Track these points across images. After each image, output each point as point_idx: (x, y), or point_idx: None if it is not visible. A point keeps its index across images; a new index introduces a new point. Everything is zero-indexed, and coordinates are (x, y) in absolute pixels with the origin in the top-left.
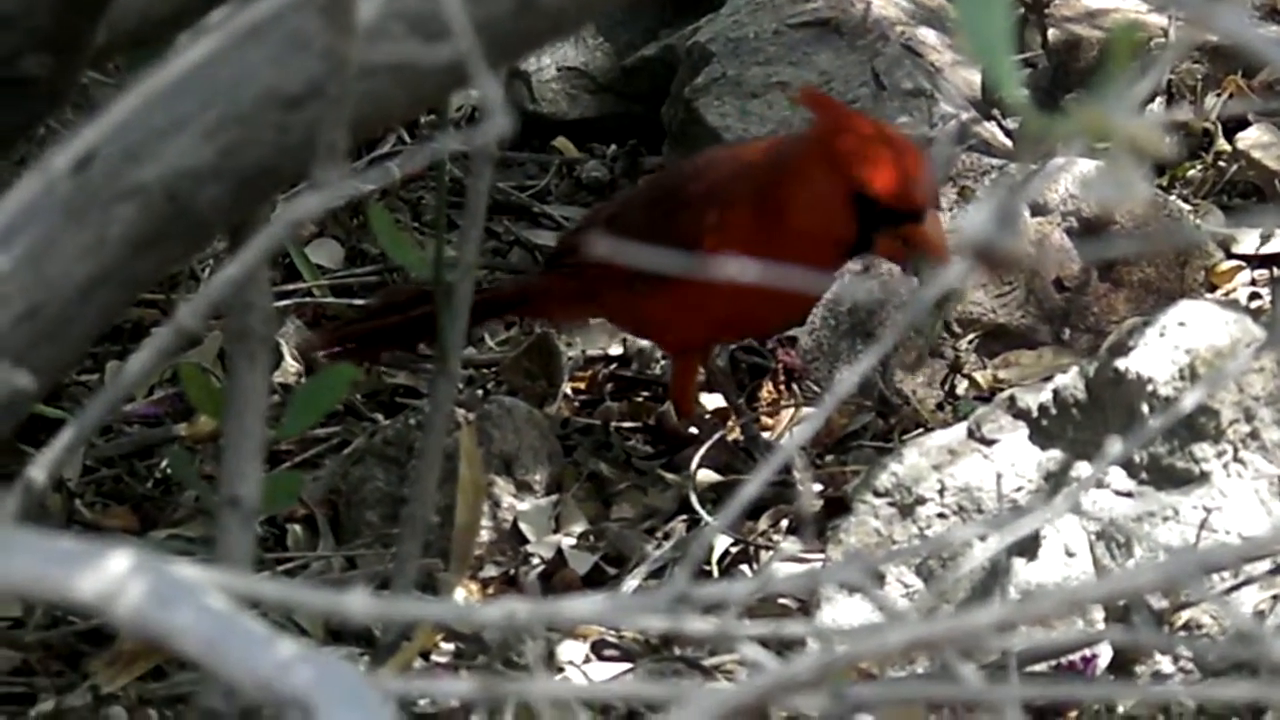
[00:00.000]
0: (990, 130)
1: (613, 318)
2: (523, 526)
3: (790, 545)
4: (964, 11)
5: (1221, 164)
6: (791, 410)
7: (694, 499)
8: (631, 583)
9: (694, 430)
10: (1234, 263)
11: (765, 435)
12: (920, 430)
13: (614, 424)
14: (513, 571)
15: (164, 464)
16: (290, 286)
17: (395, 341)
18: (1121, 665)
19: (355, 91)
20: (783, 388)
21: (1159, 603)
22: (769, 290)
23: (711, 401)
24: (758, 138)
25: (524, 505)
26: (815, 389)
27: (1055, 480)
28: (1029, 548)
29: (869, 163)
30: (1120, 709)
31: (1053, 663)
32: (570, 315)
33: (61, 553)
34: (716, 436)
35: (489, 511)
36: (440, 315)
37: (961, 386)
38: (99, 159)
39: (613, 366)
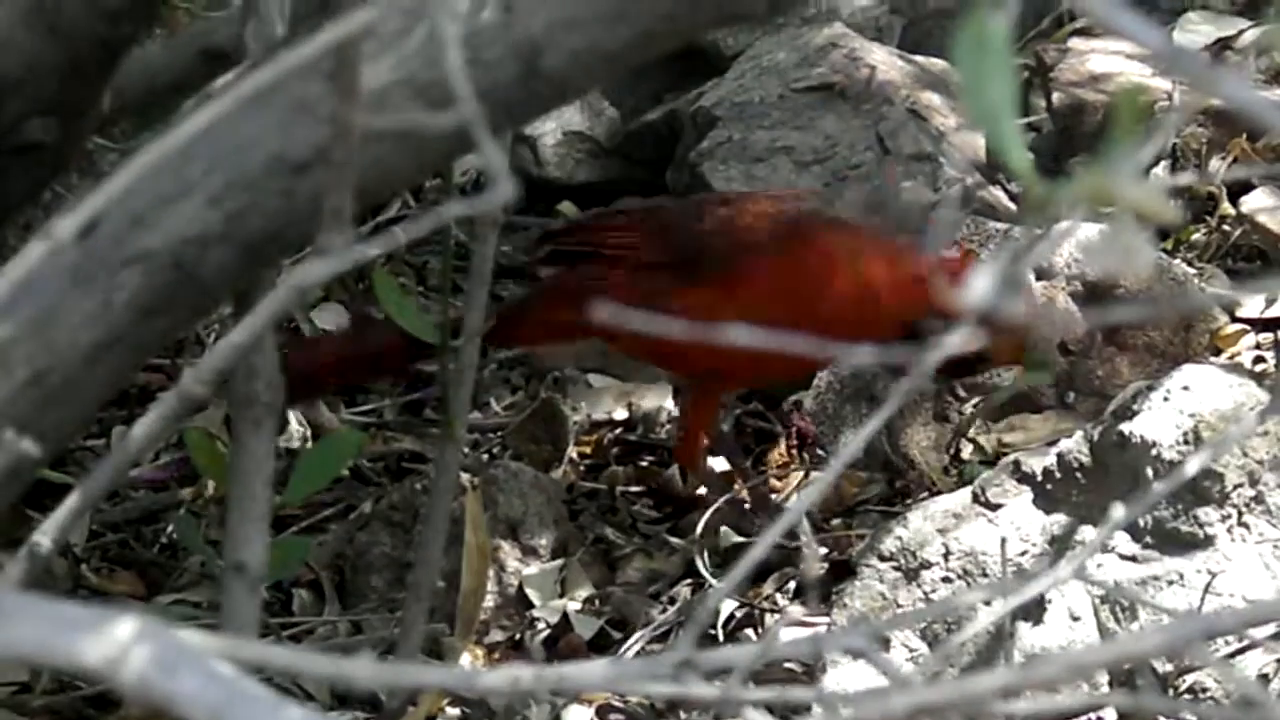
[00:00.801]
0: (995, 194)
1: (617, 338)
2: (528, 591)
3: (795, 609)
4: (967, 77)
5: (1226, 228)
6: (801, 474)
7: (700, 563)
8: (635, 647)
9: (701, 490)
10: (1238, 326)
11: (773, 498)
12: (925, 494)
13: (619, 488)
14: (518, 636)
15: (170, 529)
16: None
17: (366, 370)
18: None
19: (360, 157)
20: (794, 451)
21: (1164, 667)
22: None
23: (716, 466)
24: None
25: (529, 570)
26: (823, 454)
27: (1060, 544)
28: (1033, 612)
29: (959, 267)
30: None
31: None
32: (554, 336)
33: (67, 619)
34: (723, 500)
35: (494, 576)
36: (446, 381)
37: (966, 450)
38: (105, 225)
39: (618, 431)
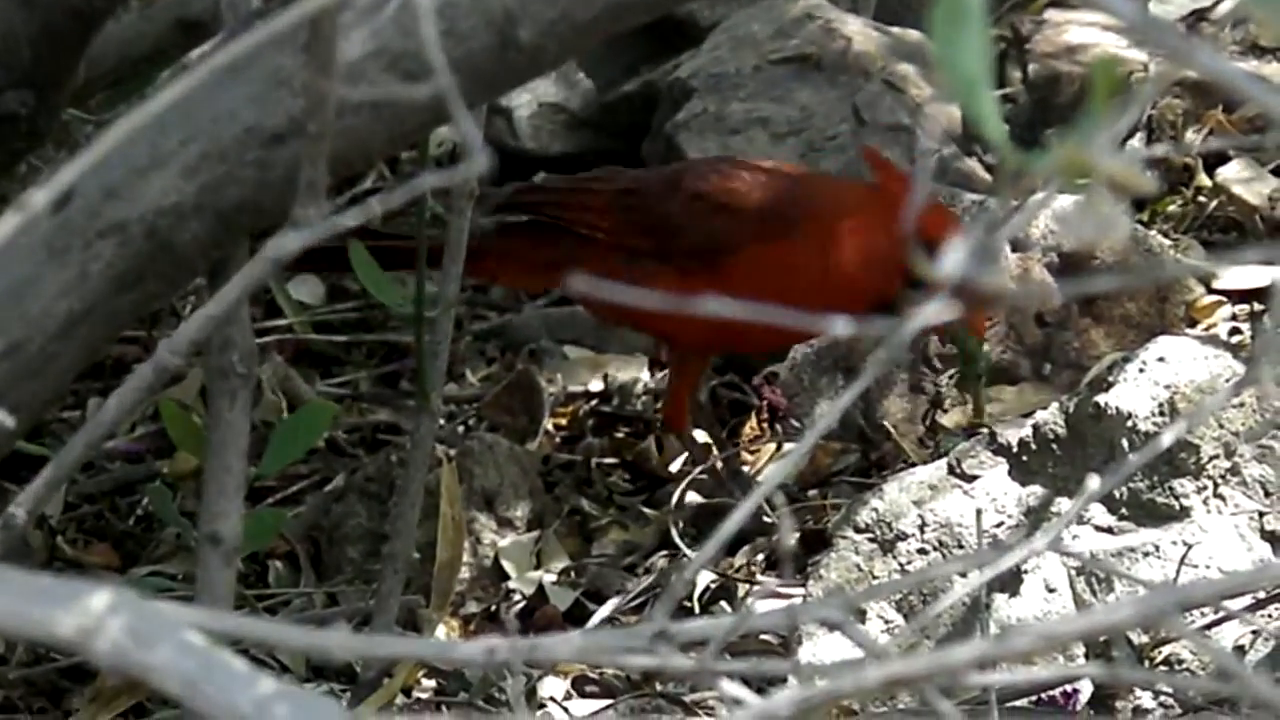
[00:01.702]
0: (970, 166)
1: (590, 303)
2: (504, 563)
3: (770, 581)
4: (942, 48)
5: (1202, 199)
6: (774, 447)
7: (675, 534)
8: (605, 615)
9: (678, 462)
10: (1214, 298)
11: (746, 470)
12: (901, 466)
13: (595, 460)
14: (493, 608)
15: (145, 501)
16: (271, 323)
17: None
18: (1102, 700)
19: (335, 129)
20: (765, 425)
21: (1139, 638)
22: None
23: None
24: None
25: (505, 541)
26: (797, 425)
27: (1035, 515)
28: (1009, 583)
29: (935, 233)
30: None
31: (1033, 698)
32: (523, 281)
33: (42, 590)
34: (697, 471)
35: (470, 548)
36: (421, 352)
37: (944, 420)
38: (79, 196)
39: (594, 403)
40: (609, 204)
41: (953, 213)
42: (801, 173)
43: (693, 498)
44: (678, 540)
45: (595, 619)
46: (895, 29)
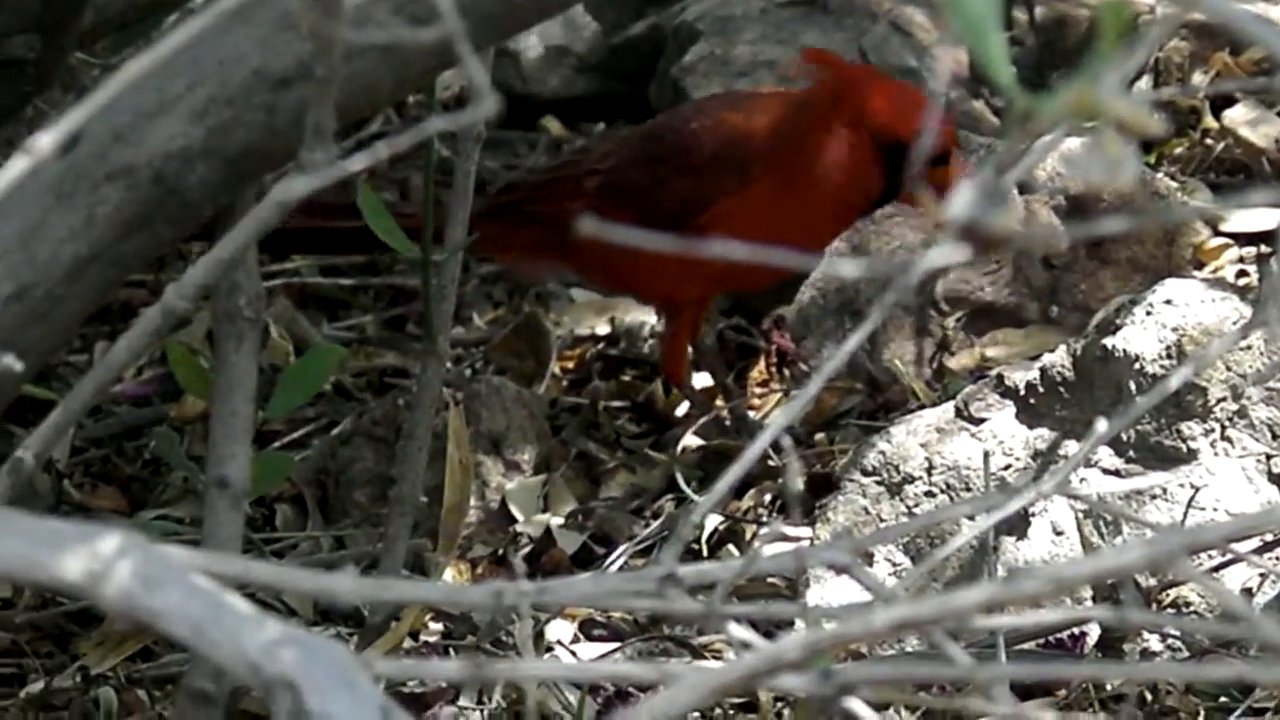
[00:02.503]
0: (979, 108)
1: (584, 268)
2: (511, 506)
3: (777, 524)
4: None
5: (1209, 142)
6: (781, 393)
7: (680, 479)
8: (618, 562)
9: (684, 406)
10: (1221, 240)
11: (753, 415)
12: (908, 409)
13: (602, 403)
14: (501, 551)
15: (152, 445)
16: (277, 267)
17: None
18: (1110, 644)
19: (343, 73)
20: (774, 369)
21: (1147, 581)
22: (786, 238)
23: (700, 381)
24: (746, 91)
25: (512, 485)
26: (805, 369)
27: (1043, 458)
28: (1017, 526)
29: (894, 111)
30: (1108, 687)
31: (1041, 641)
32: (520, 260)
33: (49, 534)
34: (703, 419)
35: (477, 491)
36: (428, 295)
37: (951, 363)
38: (86, 140)
39: (601, 345)
40: (581, 188)
41: (912, 90)
42: (753, 100)
43: (699, 442)
44: (683, 485)
45: (605, 565)
46: None
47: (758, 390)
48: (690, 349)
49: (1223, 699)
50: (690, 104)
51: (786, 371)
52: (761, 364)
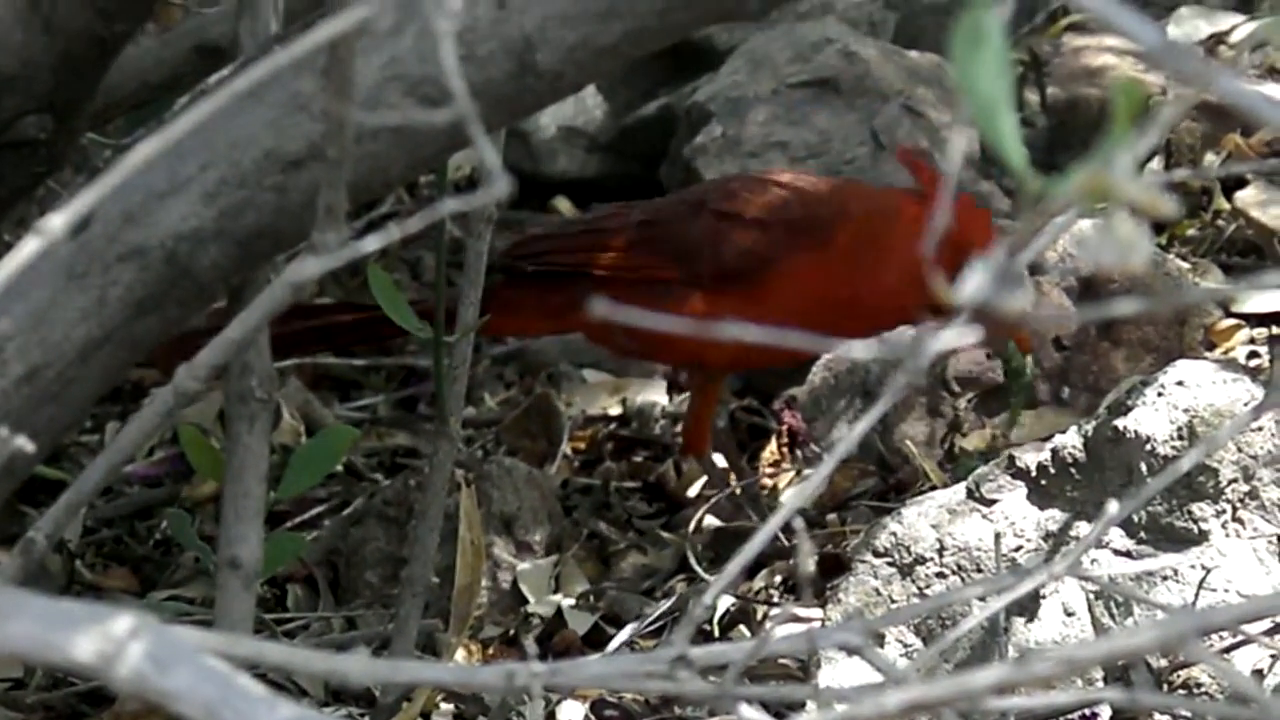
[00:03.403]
0: (990, 189)
1: (604, 332)
2: (523, 587)
3: (789, 605)
4: (962, 72)
5: (1220, 223)
6: (793, 473)
7: (692, 559)
8: (624, 639)
9: (696, 486)
10: (1233, 321)
11: (765, 495)
12: (920, 489)
13: (614, 484)
14: (512, 632)
15: (164, 525)
16: None
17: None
18: None
19: (354, 154)
20: (785, 449)
21: (1158, 662)
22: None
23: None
24: (796, 171)
25: (524, 565)
26: (816, 450)
27: (1054, 540)
28: (1028, 608)
29: (983, 238)
30: None
31: None
32: (534, 329)
33: (61, 615)
34: (717, 496)
35: (489, 572)
36: (440, 376)
37: (963, 444)
38: (98, 221)
39: (612, 426)
40: (628, 240)
41: (988, 214)
42: (833, 181)
43: (711, 521)
44: (695, 565)
45: (614, 643)
46: (913, 52)
47: (769, 470)
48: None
49: None
50: (741, 175)
51: (798, 452)
52: (773, 444)
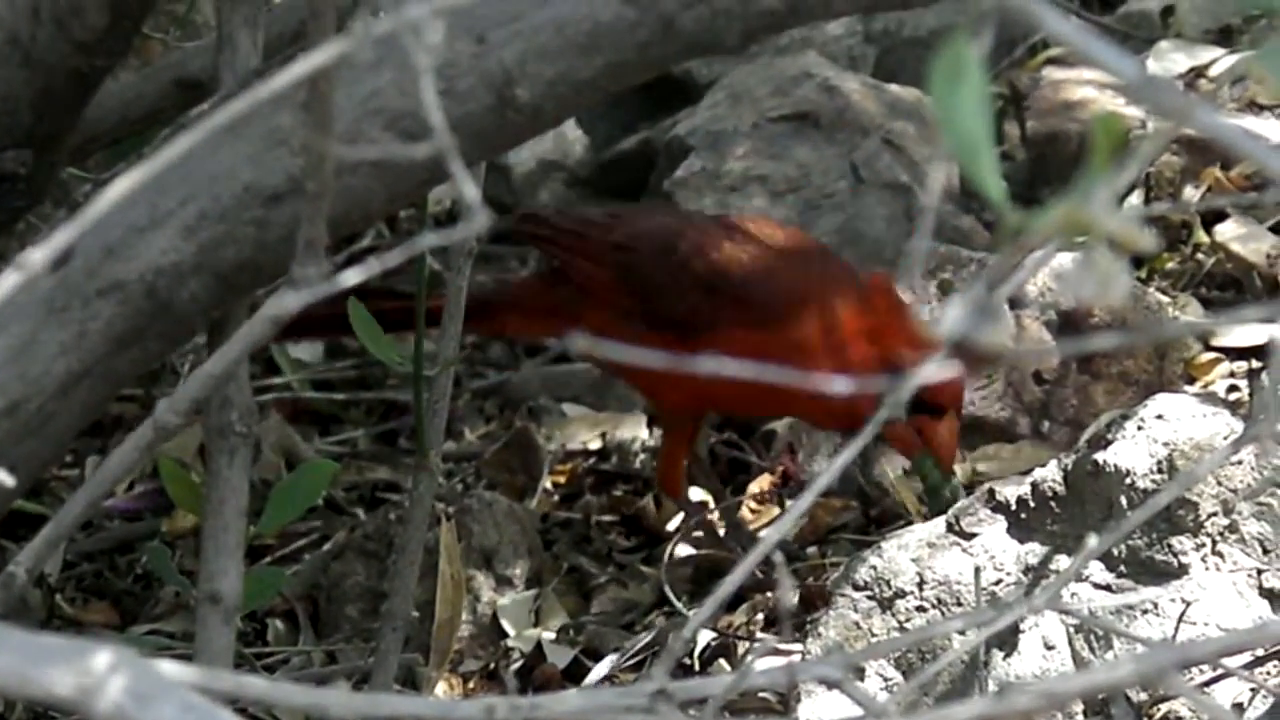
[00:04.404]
0: (970, 223)
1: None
2: (502, 621)
3: (769, 639)
4: (942, 106)
5: (1200, 256)
6: (778, 510)
7: (670, 593)
8: (604, 673)
9: (676, 520)
10: (1213, 355)
11: (747, 527)
12: (900, 523)
13: (594, 518)
14: (493, 666)
15: (144, 559)
16: (269, 381)
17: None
18: None
19: (334, 188)
20: (776, 490)
21: (1138, 696)
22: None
23: (693, 495)
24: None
25: (504, 599)
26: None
27: (1034, 573)
28: (1008, 641)
29: (914, 345)
30: None
31: None
32: (530, 328)
33: (40, 649)
34: (693, 528)
35: (469, 606)
36: (420, 410)
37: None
38: (79, 255)
39: (592, 460)
40: (603, 257)
41: (929, 335)
42: (798, 251)
43: (690, 552)
44: (672, 599)
45: (593, 677)
46: (893, 86)
47: (753, 505)
48: (685, 463)
49: None
50: (731, 216)
51: (784, 496)
52: (765, 482)
